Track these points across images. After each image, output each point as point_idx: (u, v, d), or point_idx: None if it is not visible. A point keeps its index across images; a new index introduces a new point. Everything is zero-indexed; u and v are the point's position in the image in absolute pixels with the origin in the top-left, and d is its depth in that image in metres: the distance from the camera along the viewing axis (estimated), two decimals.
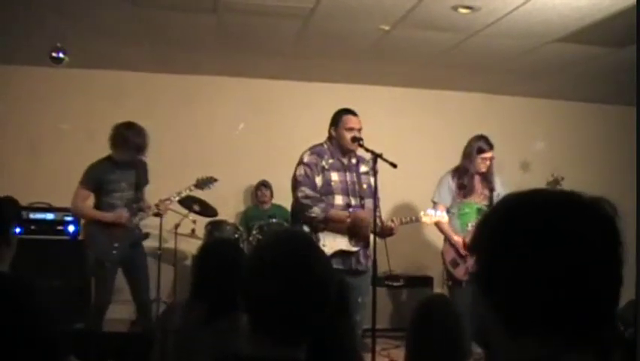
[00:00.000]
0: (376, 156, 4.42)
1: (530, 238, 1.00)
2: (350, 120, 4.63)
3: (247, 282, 1.58)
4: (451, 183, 5.38)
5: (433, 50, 6.09)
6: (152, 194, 5.44)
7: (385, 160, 4.42)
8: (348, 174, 4.65)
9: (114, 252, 5.05)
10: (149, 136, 5.11)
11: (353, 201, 4.60)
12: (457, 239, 5.26)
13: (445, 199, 5.35)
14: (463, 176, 5.35)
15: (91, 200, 5.20)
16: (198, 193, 5.81)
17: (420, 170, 6.84)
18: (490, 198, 5.35)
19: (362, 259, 4.62)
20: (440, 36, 5.62)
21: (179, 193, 5.36)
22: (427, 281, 7.02)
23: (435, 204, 5.30)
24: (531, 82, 7.20)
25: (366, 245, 4.64)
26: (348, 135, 4.58)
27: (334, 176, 4.60)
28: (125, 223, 5.06)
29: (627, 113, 7.43)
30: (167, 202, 5.30)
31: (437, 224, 5.28)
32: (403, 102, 7.68)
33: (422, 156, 7.27)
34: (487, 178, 5.40)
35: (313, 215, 4.48)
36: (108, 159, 5.11)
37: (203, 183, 5.44)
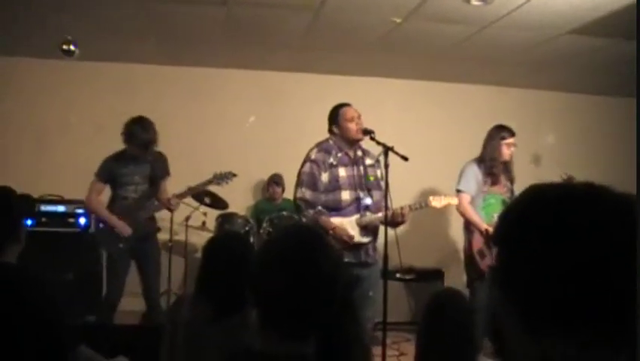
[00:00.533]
0: (387, 149, 4.41)
1: (543, 232, 0.98)
2: (348, 111, 4.64)
3: (256, 276, 1.57)
4: (477, 172, 5.28)
5: (445, 43, 6.06)
6: None
7: (397, 153, 4.40)
8: (355, 167, 4.65)
9: (120, 245, 5.09)
10: (157, 131, 5.11)
11: (361, 194, 4.60)
12: (487, 227, 5.10)
13: (471, 188, 5.24)
14: (491, 164, 5.25)
15: (107, 193, 5.25)
16: (212, 187, 5.79)
17: (430, 162, 6.82)
18: (512, 190, 5.30)
19: (371, 252, 4.63)
20: (452, 28, 5.59)
21: (192, 189, 5.34)
22: (439, 275, 7.00)
23: (459, 193, 5.21)
24: (543, 74, 7.15)
25: (375, 237, 4.64)
26: (352, 126, 4.59)
27: (342, 172, 4.59)
28: (125, 235, 5.09)
29: None
30: (181, 197, 5.30)
31: (463, 213, 5.23)
32: (414, 95, 7.65)
33: (433, 148, 7.24)
34: (508, 169, 5.35)
35: (303, 220, 4.60)
36: (124, 152, 5.15)
37: (221, 178, 5.37)
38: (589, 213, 0.98)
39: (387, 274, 4.58)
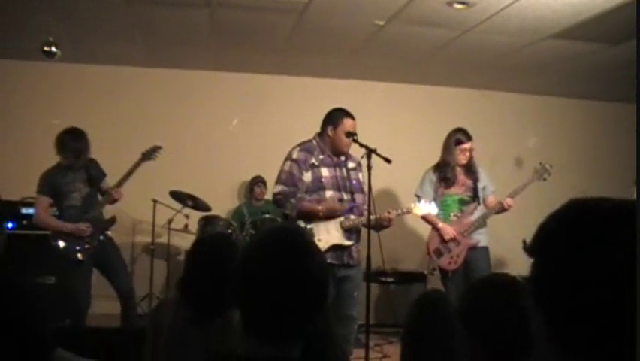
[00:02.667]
0: (370, 151, 4.41)
1: (582, 246, 0.96)
2: (350, 125, 4.58)
3: (240, 273, 1.55)
4: (432, 177, 5.44)
5: (428, 46, 6.09)
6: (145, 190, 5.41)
7: (379, 155, 4.40)
8: (337, 169, 4.64)
9: (79, 255, 5.08)
10: (89, 140, 5.13)
11: (344, 196, 4.60)
12: (442, 225, 5.32)
13: (427, 193, 5.38)
14: (444, 169, 5.40)
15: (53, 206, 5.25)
16: (183, 185, 5.66)
17: (414, 165, 6.83)
18: (474, 188, 5.37)
19: (354, 254, 4.63)
20: (434, 32, 5.61)
21: (126, 175, 5.22)
22: (421, 277, 7.00)
23: (418, 198, 5.29)
24: (525, 78, 7.20)
25: (358, 239, 4.65)
26: (346, 139, 4.57)
27: (325, 172, 4.58)
28: (85, 234, 5.07)
29: (621, 110, 7.48)
30: (119, 185, 5.21)
31: (422, 216, 5.32)
32: (397, 98, 7.67)
33: (416, 151, 7.26)
34: (470, 169, 5.42)
35: (287, 212, 4.57)
36: (59, 164, 5.17)
37: (148, 154, 5.32)
38: (631, 231, 0.94)
39: (369, 276, 4.60)
